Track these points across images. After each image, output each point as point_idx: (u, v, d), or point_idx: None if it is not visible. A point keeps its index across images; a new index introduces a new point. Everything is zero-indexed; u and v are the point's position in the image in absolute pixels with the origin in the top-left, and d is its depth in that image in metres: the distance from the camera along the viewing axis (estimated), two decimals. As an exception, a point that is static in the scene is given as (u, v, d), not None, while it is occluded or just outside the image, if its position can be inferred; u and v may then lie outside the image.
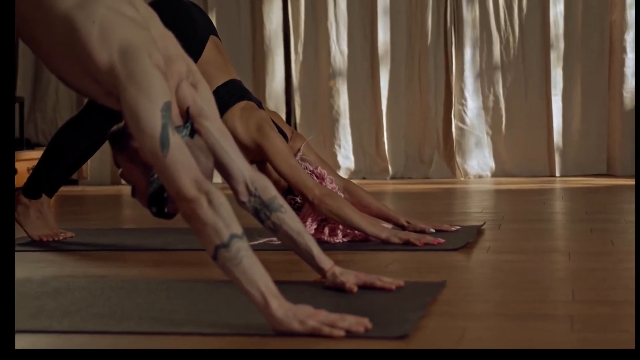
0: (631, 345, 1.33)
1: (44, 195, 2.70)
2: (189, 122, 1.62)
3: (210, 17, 5.83)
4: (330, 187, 2.52)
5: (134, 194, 1.68)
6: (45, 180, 2.68)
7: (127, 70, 1.55)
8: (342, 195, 2.57)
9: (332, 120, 5.56)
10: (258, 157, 2.47)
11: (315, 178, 2.52)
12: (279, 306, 1.41)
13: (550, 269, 2.11)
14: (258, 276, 1.43)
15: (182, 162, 1.49)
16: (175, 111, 1.62)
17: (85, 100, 5.85)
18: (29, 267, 2.24)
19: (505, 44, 5.44)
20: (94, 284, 1.90)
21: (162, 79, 1.56)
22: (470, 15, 5.45)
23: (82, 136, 2.66)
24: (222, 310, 1.60)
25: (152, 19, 1.73)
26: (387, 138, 5.52)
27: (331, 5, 5.57)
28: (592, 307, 1.62)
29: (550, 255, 2.31)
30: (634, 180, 4.84)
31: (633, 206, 3.56)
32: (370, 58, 5.56)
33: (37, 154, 5.08)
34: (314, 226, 2.50)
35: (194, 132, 1.63)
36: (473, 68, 5.47)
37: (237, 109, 2.49)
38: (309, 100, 5.59)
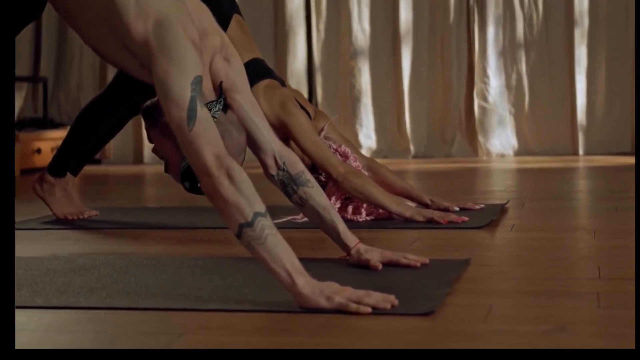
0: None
1: (68, 173, 2.72)
2: (222, 97, 1.62)
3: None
4: (354, 165, 2.52)
5: (167, 169, 1.68)
6: (70, 158, 2.70)
7: (160, 42, 1.55)
8: (366, 173, 2.56)
9: (354, 100, 5.54)
10: (282, 134, 2.47)
11: (339, 156, 2.52)
12: (305, 283, 1.41)
13: (575, 247, 2.10)
14: (283, 254, 1.43)
15: (207, 136, 1.48)
16: (208, 85, 1.62)
17: (109, 80, 5.88)
18: (55, 245, 2.26)
19: (528, 22, 5.39)
20: (120, 261, 1.91)
21: (194, 52, 1.56)
22: (493, -8, 5.39)
23: (106, 114, 2.67)
24: (247, 287, 1.61)
25: None
26: (409, 117, 5.50)
27: (353, -17, 5.53)
28: (618, 284, 1.61)
29: (574, 233, 2.29)
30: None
31: (659, 185, 3.53)
32: (392, 37, 5.53)
33: (60, 133, 5.12)
34: (338, 204, 2.50)
35: (227, 106, 1.63)
36: (496, 46, 5.42)
37: (261, 87, 2.49)
38: (331, 79, 5.58)
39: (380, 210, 2.50)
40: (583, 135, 5.34)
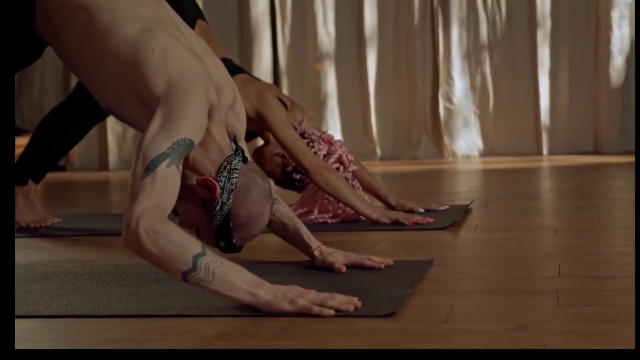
0: (614, 318, 1.35)
1: (30, 181, 2.69)
2: (239, 150, 1.60)
3: (197, 1, 5.79)
4: (340, 151, 2.55)
5: (199, 235, 1.63)
6: (32, 166, 2.67)
7: (168, 99, 1.51)
8: (352, 158, 2.59)
9: (320, 103, 5.56)
10: (258, 127, 2.48)
11: (322, 143, 2.54)
12: (266, 291, 1.42)
13: (536, 245, 2.13)
14: (236, 278, 1.41)
15: (152, 190, 1.42)
16: (226, 141, 1.60)
17: (72, 86, 5.82)
18: (17, 253, 2.23)
19: (492, 24, 5.44)
20: (82, 269, 1.89)
21: (198, 117, 1.51)
22: (456, -5, 5.44)
23: (70, 123, 2.65)
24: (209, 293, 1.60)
25: (201, 45, 1.70)
26: (375, 119, 5.52)
27: (317, -14, 5.55)
28: (577, 282, 1.64)
29: (536, 232, 2.32)
30: (621, 157, 4.87)
31: (619, 183, 3.59)
32: (357, 40, 5.55)
33: (23, 140, 5.04)
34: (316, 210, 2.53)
35: (245, 158, 1.61)
36: (460, 48, 5.47)
37: (238, 81, 2.49)
38: (297, 83, 5.58)
39: (348, 210, 2.51)
40: (547, 135, 5.41)
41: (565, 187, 3.62)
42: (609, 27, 5.28)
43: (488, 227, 2.43)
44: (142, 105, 1.57)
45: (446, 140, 5.45)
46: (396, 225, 2.41)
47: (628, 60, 5.27)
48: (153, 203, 1.42)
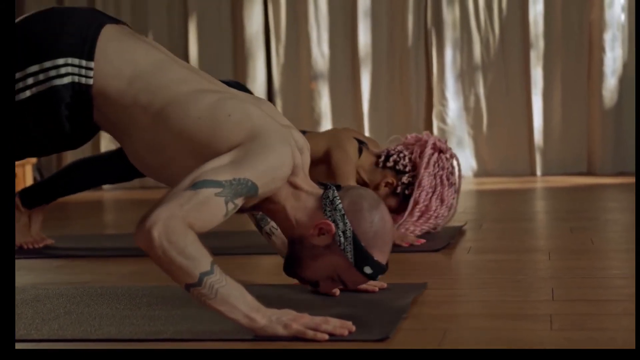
0: (609, 343, 1.34)
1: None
2: (328, 184, 1.62)
3: (191, 22, 5.83)
4: (432, 140, 2.63)
5: (346, 285, 1.63)
6: (47, 196, 2.70)
7: (249, 143, 1.48)
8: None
9: (314, 123, 5.57)
10: (327, 171, 2.58)
11: (406, 150, 2.65)
12: (262, 316, 1.41)
13: (530, 268, 2.12)
14: (237, 301, 1.41)
15: (184, 201, 1.39)
16: (314, 188, 1.61)
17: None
18: (9, 275, 2.21)
19: (485, 44, 5.47)
20: (74, 291, 1.88)
21: (275, 170, 1.49)
22: (450, 16, 5.47)
23: (98, 175, 2.74)
24: (202, 316, 1.60)
25: (272, 111, 1.67)
26: (369, 139, 5.53)
27: (312, 7, 5.57)
28: (571, 306, 1.63)
29: (530, 254, 2.32)
30: (614, 178, 4.88)
31: (612, 204, 3.60)
32: (351, 60, 5.57)
33: (22, 160, 5.03)
34: None
35: (339, 186, 1.62)
36: (454, 69, 5.49)
37: (309, 138, 2.57)
38: (291, 102, 5.60)
39: None
40: (540, 155, 5.42)
41: (559, 208, 3.62)
42: (601, 49, 5.31)
43: (482, 249, 2.43)
44: None
45: (440, 160, 5.46)
46: (393, 246, 2.41)
47: (621, 81, 5.30)
48: (181, 214, 1.39)
